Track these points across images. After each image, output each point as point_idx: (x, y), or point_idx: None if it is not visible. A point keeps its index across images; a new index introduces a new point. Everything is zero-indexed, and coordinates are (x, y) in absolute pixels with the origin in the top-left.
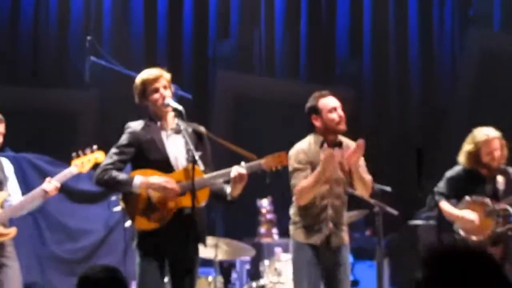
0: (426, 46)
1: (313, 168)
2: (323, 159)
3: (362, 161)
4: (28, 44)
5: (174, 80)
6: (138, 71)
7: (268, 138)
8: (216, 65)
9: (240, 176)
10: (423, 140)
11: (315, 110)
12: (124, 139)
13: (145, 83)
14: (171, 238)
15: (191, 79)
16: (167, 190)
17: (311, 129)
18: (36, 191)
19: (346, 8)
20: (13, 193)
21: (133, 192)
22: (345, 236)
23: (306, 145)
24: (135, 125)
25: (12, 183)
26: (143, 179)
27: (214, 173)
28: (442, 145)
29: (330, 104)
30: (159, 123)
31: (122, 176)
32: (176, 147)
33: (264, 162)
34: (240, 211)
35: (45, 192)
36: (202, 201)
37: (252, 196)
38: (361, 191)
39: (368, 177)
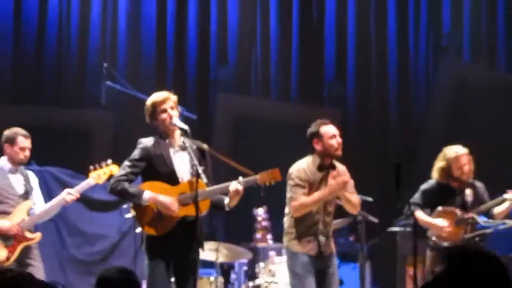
0: (403, 73)
1: (309, 186)
2: (334, 184)
3: (351, 182)
4: (51, 70)
5: (180, 103)
6: (149, 94)
7: (265, 155)
8: (217, 89)
9: (237, 191)
10: (401, 156)
11: (317, 135)
12: (136, 153)
13: (155, 105)
14: (176, 242)
15: (195, 102)
16: (169, 211)
17: (303, 146)
18: (57, 200)
19: (332, 37)
20: (37, 202)
21: (140, 203)
22: (333, 245)
23: (306, 164)
24: (146, 141)
25: (36, 193)
26: (152, 195)
27: (215, 187)
28: (418, 160)
29: (331, 131)
30: (167, 141)
31: (133, 188)
32: (182, 162)
33: (259, 178)
34: (238, 219)
35: (66, 201)
36: (204, 211)
37: (249, 206)
38: (350, 210)
39: (356, 199)
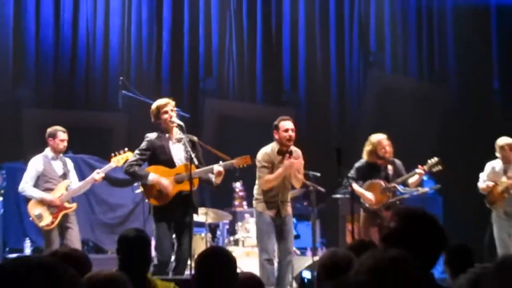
0: (341, 82)
1: (272, 166)
2: (286, 166)
3: (301, 164)
4: (81, 83)
5: (176, 105)
6: (154, 99)
7: (240, 144)
8: (204, 95)
9: (219, 172)
10: (340, 143)
11: (277, 128)
12: (144, 145)
13: (159, 108)
14: (175, 210)
15: (188, 105)
16: (166, 190)
17: (267, 137)
18: (88, 179)
19: (287, 56)
20: (73, 181)
21: (146, 183)
22: (289, 208)
23: (269, 149)
24: (151, 135)
25: (72, 174)
26: (155, 177)
27: (203, 168)
28: (353, 145)
29: (285, 126)
30: (167, 135)
31: (141, 171)
32: (178, 151)
33: (235, 162)
34: (222, 190)
35: (94, 179)
36: (195, 186)
37: (230, 181)
38: (295, 185)
39: (301, 178)
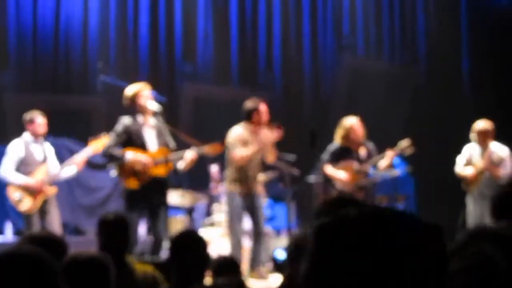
0: (315, 65)
1: (244, 143)
2: (260, 144)
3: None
4: (61, 65)
5: (155, 88)
6: (132, 83)
7: (215, 126)
8: (182, 78)
9: (191, 159)
10: (314, 126)
11: (256, 110)
12: (119, 128)
13: (135, 93)
14: (150, 193)
15: (166, 88)
16: (146, 165)
17: (239, 120)
18: (69, 166)
19: (263, 39)
20: (54, 166)
21: (124, 163)
22: (260, 188)
23: (242, 129)
24: (126, 119)
25: (53, 159)
26: (133, 154)
27: (176, 153)
28: (327, 128)
29: (263, 109)
30: (141, 120)
31: (118, 151)
32: (152, 136)
33: (206, 149)
34: (198, 173)
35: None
36: (168, 171)
37: (206, 163)
38: (269, 160)
39: (274, 153)
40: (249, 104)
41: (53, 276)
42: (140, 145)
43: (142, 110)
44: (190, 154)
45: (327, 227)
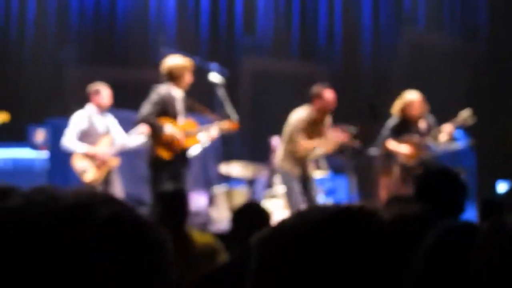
0: (375, 38)
1: (305, 130)
2: (334, 143)
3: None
4: (121, 38)
5: (214, 61)
6: (193, 56)
7: (275, 100)
8: (243, 52)
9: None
10: (376, 99)
11: (319, 96)
12: (155, 96)
13: (185, 67)
14: (177, 164)
15: (225, 61)
16: (180, 141)
17: (304, 94)
18: (137, 135)
19: (324, 14)
20: (119, 136)
21: (161, 133)
22: (312, 169)
23: (304, 114)
24: (163, 89)
25: (118, 130)
26: (172, 129)
27: (204, 127)
28: (387, 103)
29: (330, 98)
30: (175, 91)
31: (158, 122)
32: (182, 108)
33: (222, 125)
34: (260, 145)
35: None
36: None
37: (266, 135)
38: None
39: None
40: (314, 88)
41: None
42: (173, 116)
43: (184, 86)
44: (214, 129)
45: (266, 240)
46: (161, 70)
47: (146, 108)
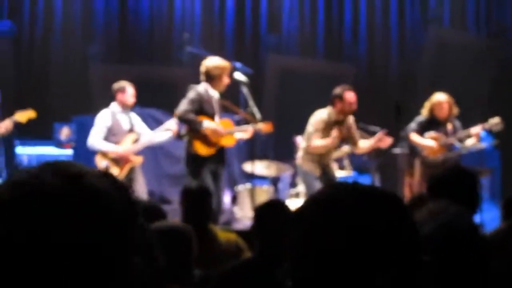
0: (401, 37)
1: (324, 130)
2: (333, 139)
3: (357, 132)
4: (146, 36)
5: (240, 60)
6: (217, 55)
7: (300, 98)
8: (267, 50)
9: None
10: (401, 99)
11: (340, 98)
12: (193, 95)
13: (223, 69)
14: (214, 162)
15: (251, 60)
16: (220, 134)
17: (329, 93)
18: (163, 132)
19: (349, 13)
20: (145, 133)
21: (199, 129)
22: (333, 165)
23: (325, 115)
24: (200, 88)
25: (141, 127)
26: (209, 123)
27: (239, 128)
28: (412, 101)
29: (351, 99)
30: (212, 91)
31: (195, 118)
32: (218, 108)
33: (259, 127)
34: (284, 144)
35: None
36: (235, 142)
37: (291, 133)
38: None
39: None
40: (336, 90)
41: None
42: (211, 115)
43: (221, 87)
44: (249, 129)
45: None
46: (200, 70)
47: (183, 105)
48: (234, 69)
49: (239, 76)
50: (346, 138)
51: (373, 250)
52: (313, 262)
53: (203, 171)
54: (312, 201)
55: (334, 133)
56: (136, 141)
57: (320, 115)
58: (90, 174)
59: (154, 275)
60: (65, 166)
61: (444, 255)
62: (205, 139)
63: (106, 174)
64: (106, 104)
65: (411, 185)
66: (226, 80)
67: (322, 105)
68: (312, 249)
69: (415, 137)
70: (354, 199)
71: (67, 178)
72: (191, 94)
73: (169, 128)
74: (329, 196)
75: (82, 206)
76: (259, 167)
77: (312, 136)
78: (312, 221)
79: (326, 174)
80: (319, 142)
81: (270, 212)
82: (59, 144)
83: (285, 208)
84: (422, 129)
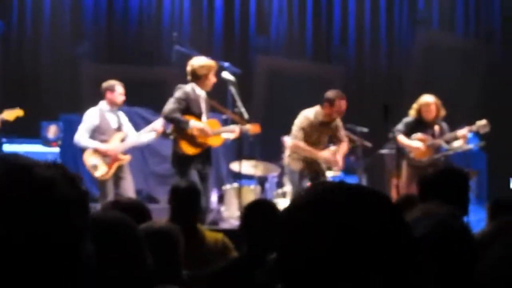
0: (390, 38)
1: (309, 131)
2: (327, 159)
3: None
4: (135, 36)
5: (228, 60)
6: (206, 55)
7: (288, 99)
8: (256, 51)
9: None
10: (389, 100)
11: (331, 103)
12: (180, 94)
13: (210, 68)
14: (200, 161)
15: (239, 60)
16: (207, 133)
17: (318, 94)
18: (148, 132)
19: (338, 13)
20: (130, 133)
21: (186, 128)
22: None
23: (312, 115)
24: (187, 88)
25: (128, 127)
26: (196, 123)
27: (225, 128)
28: (400, 101)
29: (342, 106)
30: (199, 91)
31: (181, 117)
32: (204, 108)
33: (247, 128)
34: (272, 144)
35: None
36: (222, 142)
37: (279, 134)
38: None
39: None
40: (330, 93)
41: (138, 242)
42: (198, 114)
43: (208, 86)
44: (236, 129)
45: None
46: (186, 70)
47: (170, 104)
48: (222, 68)
49: (227, 75)
50: (333, 139)
51: (365, 249)
52: (304, 262)
53: (190, 170)
54: (302, 199)
55: (324, 154)
56: (123, 140)
57: (307, 114)
58: (38, 165)
59: (143, 276)
60: (14, 158)
61: (439, 254)
62: (192, 139)
63: (55, 165)
64: (94, 103)
65: (398, 186)
66: (212, 79)
67: (310, 106)
68: (302, 248)
69: (402, 139)
70: (345, 197)
71: (17, 168)
72: (178, 93)
73: (154, 128)
74: (319, 194)
75: (31, 195)
76: (247, 167)
77: (297, 134)
78: (303, 220)
79: (314, 173)
80: (302, 145)
81: (258, 211)
82: (46, 142)
83: (273, 207)
84: (409, 131)
